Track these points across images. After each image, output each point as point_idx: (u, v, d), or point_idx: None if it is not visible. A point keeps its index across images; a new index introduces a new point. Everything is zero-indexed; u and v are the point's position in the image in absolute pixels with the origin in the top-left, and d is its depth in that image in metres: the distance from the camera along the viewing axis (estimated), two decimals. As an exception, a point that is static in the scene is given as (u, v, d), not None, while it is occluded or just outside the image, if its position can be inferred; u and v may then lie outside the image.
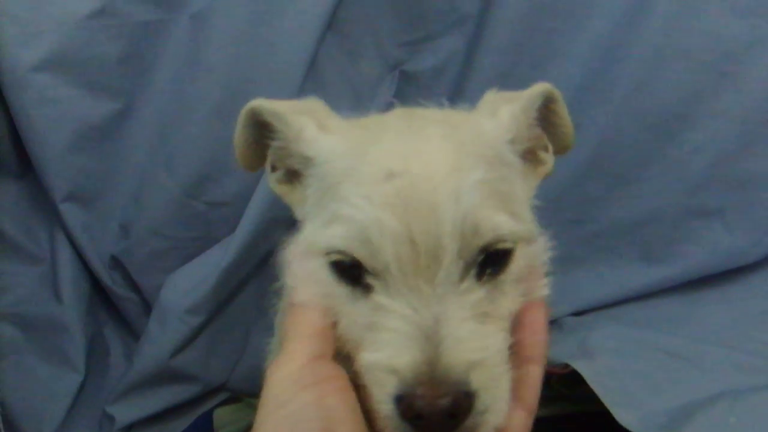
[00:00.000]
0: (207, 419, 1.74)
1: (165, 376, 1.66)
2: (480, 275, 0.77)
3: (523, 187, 0.90)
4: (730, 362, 1.67)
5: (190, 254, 1.67)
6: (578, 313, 1.87)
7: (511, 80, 1.65)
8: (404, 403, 0.71)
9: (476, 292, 0.75)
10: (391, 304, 0.74)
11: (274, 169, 0.96)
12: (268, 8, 1.53)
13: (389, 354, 0.72)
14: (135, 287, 1.72)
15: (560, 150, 0.98)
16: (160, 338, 1.63)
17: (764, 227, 1.82)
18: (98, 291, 1.74)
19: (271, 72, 1.57)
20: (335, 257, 0.77)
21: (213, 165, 1.63)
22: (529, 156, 0.94)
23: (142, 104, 1.61)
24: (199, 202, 1.65)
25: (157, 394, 1.67)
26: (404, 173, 0.74)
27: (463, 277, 0.75)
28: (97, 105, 1.57)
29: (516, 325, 0.82)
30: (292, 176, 0.92)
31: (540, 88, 0.92)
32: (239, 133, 0.95)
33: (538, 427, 1.55)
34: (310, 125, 0.88)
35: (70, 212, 1.62)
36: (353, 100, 1.67)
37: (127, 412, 1.66)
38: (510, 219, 0.77)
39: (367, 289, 0.76)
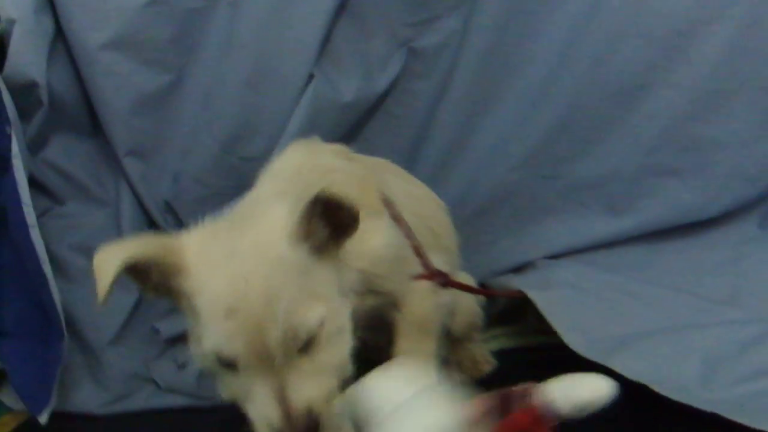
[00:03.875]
0: None
1: None
2: (303, 350, 1.09)
3: (321, 270, 1.15)
4: (679, 303, 1.87)
5: (227, 200, 1.84)
6: (551, 257, 2.08)
7: (496, 56, 1.95)
8: None
9: (301, 362, 1.09)
10: (248, 381, 1.08)
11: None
12: (287, -6, 1.84)
13: (263, 414, 1.07)
14: (183, 226, 1.94)
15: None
16: None
17: (718, 186, 2.01)
18: (154, 229, 2.01)
19: (290, 50, 1.87)
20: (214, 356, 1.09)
21: (245, 127, 1.93)
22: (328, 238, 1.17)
23: (189, 77, 1.92)
24: (234, 157, 1.94)
25: None
26: (238, 311, 1.05)
27: (293, 358, 1.08)
28: (152, 77, 1.88)
29: None
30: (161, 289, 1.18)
31: (314, 193, 1.09)
32: (111, 283, 1.14)
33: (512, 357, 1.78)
34: (181, 266, 1.14)
35: (131, 165, 1.93)
36: (365, 74, 1.95)
37: (171, 326, 1.93)
38: (315, 309, 1.10)
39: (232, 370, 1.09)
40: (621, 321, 1.79)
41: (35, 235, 1.66)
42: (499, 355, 1.90)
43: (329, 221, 1.14)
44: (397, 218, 1.40)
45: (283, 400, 1.06)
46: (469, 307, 1.76)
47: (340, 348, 1.15)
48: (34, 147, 1.89)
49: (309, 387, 1.08)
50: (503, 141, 2.00)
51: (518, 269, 2.10)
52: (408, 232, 1.42)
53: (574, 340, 1.66)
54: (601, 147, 2.03)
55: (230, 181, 1.94)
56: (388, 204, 1.40)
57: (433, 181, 1.81)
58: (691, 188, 2.04)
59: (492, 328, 1.98)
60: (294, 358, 1.08)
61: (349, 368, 1.16)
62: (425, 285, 1.44)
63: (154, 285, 1.16)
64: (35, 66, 1.77)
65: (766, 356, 1.65)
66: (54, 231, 1.87)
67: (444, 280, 1.48)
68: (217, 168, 1.96)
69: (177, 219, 2.00)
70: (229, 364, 1.08)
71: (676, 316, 1.82)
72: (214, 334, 1.08)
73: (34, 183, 1.80)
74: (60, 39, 1.84)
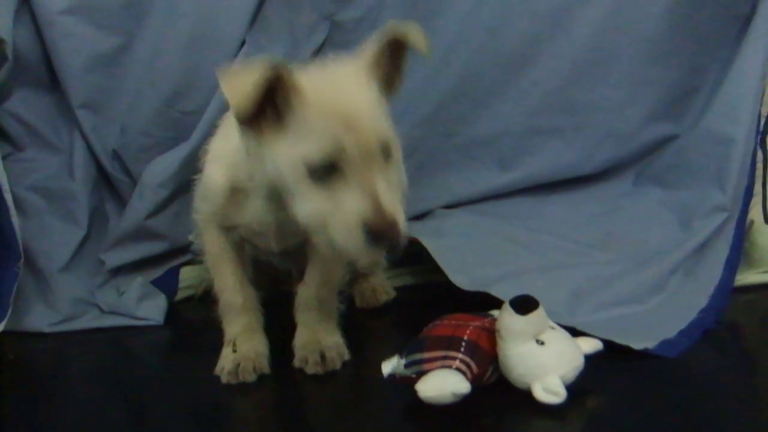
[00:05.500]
0: (174, 274, 2.22)
1: (141, 234, 2.14)
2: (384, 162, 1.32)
3: (385, 108, 1.38)
4: (555, 247, 2.09)
5: (167, 149, 2.14)
6: (448, 207, 2.29)
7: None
8: (365, 225, 1.24)
9: (387, 171, 1.30)
10: (340, 186, 1.27)
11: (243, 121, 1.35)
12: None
13: (353, 205, 1.26)
14: (128, 173, 2.19)
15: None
16: (139, 205, 2.12)
17: (595, 145, 2.24)
18: (103, 175, 2.23)
19: (226, 17, 2.07)
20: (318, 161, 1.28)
21: (186, 84, 2.12)
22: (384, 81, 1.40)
23: (137, 40, 2.12)
24: (175, 111, 2.14)
25: (136, 247, 2.16)
26: (350, 115, 1.27)
27: (382, 164, 1.30)
28: (105, 39, 2.09)
29: None
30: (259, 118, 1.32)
31: (383, 36, 1.37)
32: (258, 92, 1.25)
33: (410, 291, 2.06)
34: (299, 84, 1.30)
35: (84, 116, 2.13)
36: (292, 42, 2.15)
37: (114, 258, 2.15)
38: (388, 125, 1.34)
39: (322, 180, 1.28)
40: (503, 262, 2.00)
41: (-1, 168, 1.86)
42: (400, 289, 2.14)
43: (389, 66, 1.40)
44: None
45: (374, 196, 1.25)
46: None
47: (402, 176, 1.41)
48: (-1, 98, 2.08)
49: (394, 197, 1.29)
50: (409, 102, 2.16)
51: (419, 217, 2.28)
52: None
53: (459, 279, 1.86)
54: (493, 109, 2.23)
55: (171, 132, 2.14)
56: None
57: None
58: (571, 147, 2.25)
59: (394, 268, 2.19)
60: (383, 166, 1.30)
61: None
62: None
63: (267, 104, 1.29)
64: (3, 26, 1.96)
65: (624, 289, 1.88)
66: (14, 173, 2.03)
67: None
68: (160, 120, 2.15)
69: (123, 166, 2.20)
70: (326, 169, 1.26)
71: (552, 258, 2.04)
72: (323, 136, 1.26)
73: (-2, 130, 1.99)
74: (25, 3, 2.04)
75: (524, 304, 1.40)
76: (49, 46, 2.09)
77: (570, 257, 2.05)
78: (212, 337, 1.74)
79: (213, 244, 1.71)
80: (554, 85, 2.21)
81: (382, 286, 2.09)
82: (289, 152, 1.30)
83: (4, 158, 1.99)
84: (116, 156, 2.20)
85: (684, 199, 2.14)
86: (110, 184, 2.25)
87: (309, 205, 1.30)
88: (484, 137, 2.26)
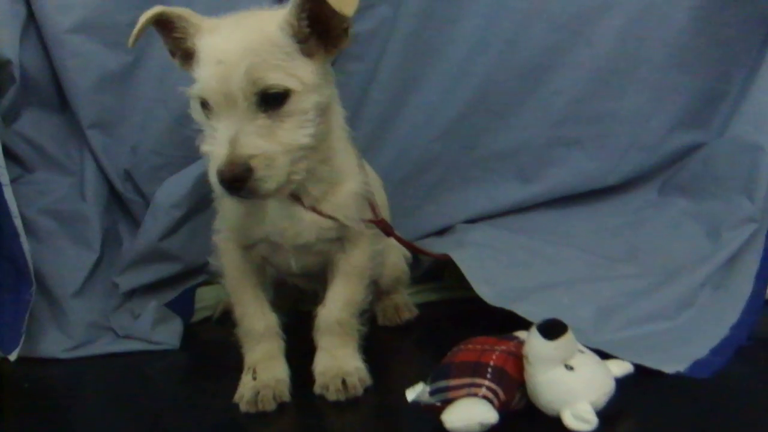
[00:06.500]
0: (190, 295, 2.19)
1: (155, 255, 2.10)
2: (266, 110, 1.35)
3: (303, 61, 1.41)
4: (579, 261, 2.05)
5: (180, 168, 2.10)
6: (468, 221, 2.26)
7: (421, 40, 2.14)
8: (218, 174, 1.32)
9: (261, 119, 1.36)
10: (216, 124, 1.36)
11: (173, 54, 1.53)
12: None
13: (215, 150, 1.34)
14: (140, 193, 2.16)
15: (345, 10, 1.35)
16: (152, 227, 2.09)
17: (618, 156, 2.21)
18: (115, 196, 2.20)
19: None
20: (198, 98, 1.39)
21: None
22: (316, 39, 1.42)
23: (147, 57, 2.10)
24: (187, 129, 1.94)
25: (150, 269, 2.12)
26: (223, 61, 1.34)
27: (254, 111, 1.35)
28: (114, 58, 2.07)
29: None
30: (186, 57, 1.47)
31: None
32: (144, 25, 1.49)
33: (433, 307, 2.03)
34: (200, 27, 1.43)
35: (94, 136, 2.11)
36: None
37: (128, 281, 2.11)
38: (280, 76, 1.36)
39: (209, 116, 1.38)
40: (527, 275, 1.96)
41: (8, 193, 1.84)
42: (422, 306, 2.10)
43: (317, 24, 1.40)
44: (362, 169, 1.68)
45: (233, 142, 1.32)
46: (396, 264, 1.98)
47: (299, 129, 1.39)
48: (8, 120, 2.05)
49: (258, 142, 1.34)
50: (428, 115, 2.16)
51: (439, 232, 2.25)
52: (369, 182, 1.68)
53: (485, 292, 1.83)
54: (513, 120, 2.20)
55: (184, 151, 2.10)
56: (359, 156, 1.69)
57: (366, 151, 1.95)
58: (594, 158, 2.22)
59: (416, 285, 2.17)
60: (256, 113, 1.35)
61: (301, 156, 1.40)
62: (370, 232, 1.67)
63: (176, 40, 1.48)
64: (9, 46, 1.95)
65: (652, 305, 1.83)
66: (24, 196, 2.01)
67: (388, 230, 1.74)
68: (172, 139, 2.12)
69: (136, 187, 2.17)
70: (203, 106, 1.39)
71: (576, 272, 1.99)
72: (202, 77, 1.36)
73: (7, 152, 1.96)
74: (32, 22, 2.02)
75: (552, 329, 1.36)
76: (57, 66, 2.07)
77: (595, 271, 2.01)
78: (231, 360, 1.72)
79: (233, 267, 1.70)
80: (576, 94, 2.18)
81: (405, 303, 2.06)
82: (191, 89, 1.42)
83: (13, 181, 1.97)
84: (128, 176, 2.18)
85: (711, 210, 2.11)
86: (123, 205, 2.23)
87: (201, 138, 1.43)
88: (504, 150, 2.24)
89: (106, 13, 2.02)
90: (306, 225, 1.58)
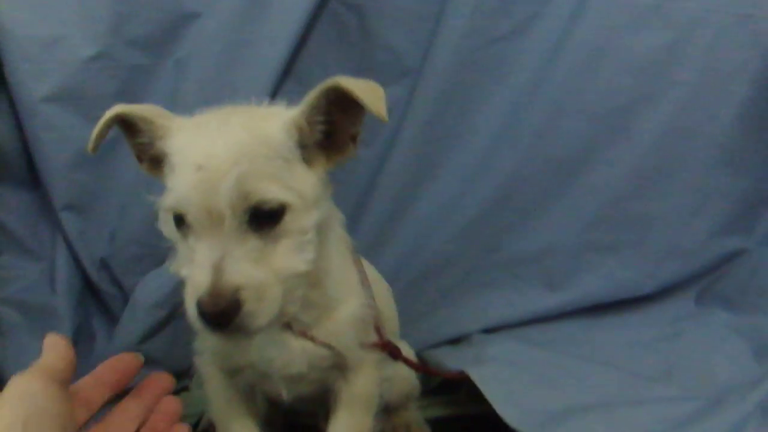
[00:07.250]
0: None
1: None
2: (258, 230, 1.11)
3: (304, 170, 1.19)
4: (614, 380, 1.87)
5: (162, 260, 1.84)
6: (487, 331, 2.09)
7: (438, 126, 1.96)
8: (199, 306, 1.06)
9: (252, 241, 1.10)
10: (196, 245, 1.10)
11: (140, 159, 1.31)
12: (233, 58, 1.84)
13: (195, 277, 1.08)
14: (118, 285, 1.97)
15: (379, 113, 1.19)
16: (131, 326, 1.90)
17: (654, 263, 2.05)
18: (88, 287, 2.00)
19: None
20: (172, 211, 1.15)
21: None
22: (319, 145, 1.21)
23: None
24: None
25: None
26: (205, 167, 1.09)
27: (244, 230, 1.10)
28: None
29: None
30: (156, 162, 1.25)
31: (321, 85, 1.17)
32: (101, 129, 1.28)
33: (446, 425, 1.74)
34: (170, 128, 1.21)
35: (68, 219, 1.90)
36: None
37: None
38: (276, 189, 1.12)
39: (186, 234, 1.14)
40: (554, 396, 1.79)
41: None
42: (433, 422, 1.91)
43: (329, 123, 1.20)
44: (365, 284, 1.45)
45: (218, 268, 1.07)
46: (406, 378, 1.77)
47: (295, 253, 1.15)
48: (-29, 197, 1.86)
49: (247, 270, 1.09)
50: (443, 211, 2.01)
51: (454, 341, 2.09)
52: (372, 301, 1.45)
53: (508, 413, 1.66)
54: (540, 221, 2.06)
55: (165, 241, 1.89)
56: (361, 269, 1.45)
57: (371, 249, 1.84)
58: (628, 264, 2.07)
59: (427, 397, 1.97)
60: (245, 232, 1.10)
61: (297, 284, 1.17)
62: (374, 357, 1.45)
63: (141, 145, 1.26)
64: None
65: None
66: None
67: (396, 353, 1.53)
68: (154, 227, 1.87)
69: (113, 278, 1.99)
70: (183, 223, 1.13)
71: (610, 393, 1.82)
72: (177, 186, 1.12)
73: (-31, 233, 1.77)
74: (3, 89, 1.83)
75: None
76: (29, 139, 1.86)
77: (630, 391, 1.83)
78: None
79: (217, 395, 1.48)
80: (611, 194, 2.04)
81: (417, 421, 1.86)
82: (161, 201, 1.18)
83: (-25, 266, 1.77)
84: (104, 266, 1.98)
85: (756, 324, 1.98)
86: (97, 297, 2.03)
87: (175, 260, 1.21)
88: (529, 253, 2.09)
89: (86, 81, 1.82)
90: (296, 354, 1.35)
